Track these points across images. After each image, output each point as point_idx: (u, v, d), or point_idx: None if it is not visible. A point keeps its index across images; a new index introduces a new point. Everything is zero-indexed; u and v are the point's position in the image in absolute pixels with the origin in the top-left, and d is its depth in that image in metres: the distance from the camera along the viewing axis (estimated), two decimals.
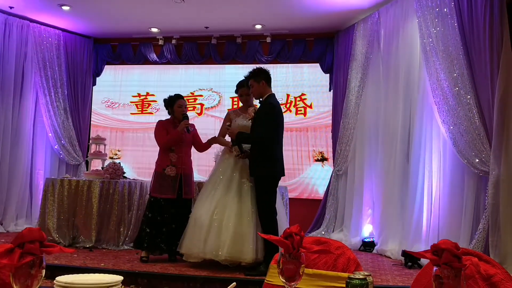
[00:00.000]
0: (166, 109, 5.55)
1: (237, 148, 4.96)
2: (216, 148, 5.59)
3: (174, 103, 5.45)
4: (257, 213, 4.88)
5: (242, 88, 5.23)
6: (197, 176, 8.11)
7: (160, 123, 5.55)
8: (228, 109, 5.66)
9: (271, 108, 4.88)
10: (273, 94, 4.99)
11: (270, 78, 4.98)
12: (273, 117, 4.85)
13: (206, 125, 8.79)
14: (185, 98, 5.68)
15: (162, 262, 5.31)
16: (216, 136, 5.44)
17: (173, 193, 5.33)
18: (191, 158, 5.58)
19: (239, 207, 4.91)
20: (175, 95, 5.58)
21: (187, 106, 5.52)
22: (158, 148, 5.56)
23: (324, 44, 8.36)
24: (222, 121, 5.52)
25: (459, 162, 5.17)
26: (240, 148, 4.95)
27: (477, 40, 4.94)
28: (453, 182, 5.32)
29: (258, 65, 5.42)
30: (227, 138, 5.29)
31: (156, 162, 5.52)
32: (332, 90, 8.29)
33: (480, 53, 4.91)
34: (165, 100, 5.58)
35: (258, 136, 4.83)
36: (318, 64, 8.45)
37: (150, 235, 5.32)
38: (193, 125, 5.62)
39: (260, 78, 4.91)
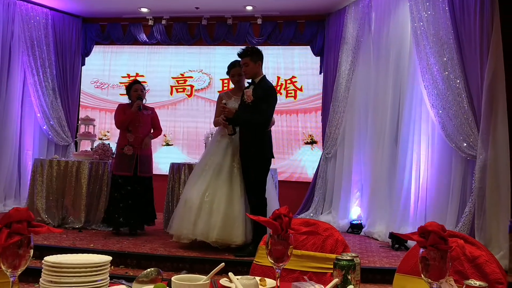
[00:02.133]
0: (127, 95, 5.98)
1: (231, 127, 4.92)
2: (206, 129, 5.55)
3: (131, 88, 5.91)
4: (246, 196, 4.92)
5: (235, 68, 5.14)
6: (188, 159, 8.12)
7: (119, 106, 6.00)
8: (218, 91, 5.60)
9: (273, 90, 4.93)
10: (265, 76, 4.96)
11: (263, 60, 4.97)
12: (275, 99, 4.89)
13: (197, 106, 8.77)
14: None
15: (151, 242, 5.34)
16: (213, 119, 5.38)
17: (129, 171, 5.75)
18: (150, 139, 5.97)
19: (229, 190, 4.93)
20: (133, 81, 6.21)
21: (143, 90, 5.99)
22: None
23: (315, 27, 8.32)
24: (216, 104, 5.45)
25: (447, 146, 5.21)
26: (233, 128, 4.93)
27: (467, 24, 4.95)
28: (441, 166, 5.37)
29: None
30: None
31: (116, 143, 5.96)
32: (322, 73, 8.28)
33: (470, 38, 4.92)
34: (126, 88, 6.11)
35: (260, 118, 4.75)
36: (309, 47, 8.41)
37: (108, 211, 5.83)
38: (152, 109, 6.11)
39: (257, 58, 4.86)
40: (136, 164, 5.77)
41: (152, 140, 6.01)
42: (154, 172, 6.10)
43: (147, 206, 5.91)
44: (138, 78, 8.87)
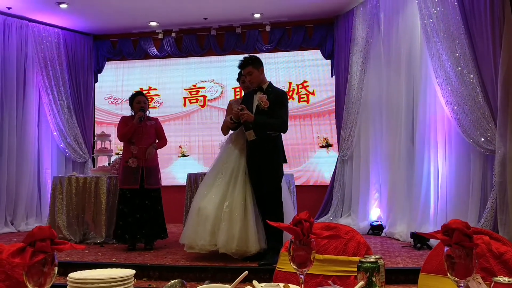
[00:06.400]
0: (130, 106, 5.86)
1: (252, 132, 4.82)
2: (221, 138, 5.53)
3: (133, 100, 5.80)
4: (257, 202, 4.87)
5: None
6: (204, 168, 8.13)
7: (122, 118, 5.90)
8: (231, 100, 5.58)
9: (285, 94, 4.98)
10: None
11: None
12: (287, 103, 4.89)
13: (210, 116, 8.80)
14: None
15: (172, 254, 5.35)
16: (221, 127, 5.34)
17: (136, 184, 5.63)
18: (156, 150, 5.85)
19: (244, 199, 4.87)
20: (135, 92, 6.05)
21: (146, 101, 5.87)
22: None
23: (324, 30, 8.32)
24: (225, 112, 5.45)
25: (464, 142, 5.15)
26: (255, 132, 4.82)
27: (478, 18, 4.90)
28: (459, 162, 5.31)
29: (257, 54, 5.36)
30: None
31: (121, 156, 5.87)
32: (334, 76, 8.26)
33: (481, 31, 4.87)
34: (129, 100, 5.95)
35: (282, 123, 4.74)
36: (319, 51, 8.41)
37: (118, 226, 5.70)
38: (155, 119, 6.00)
39: (259, 65, 4.86)
40: (142, 176, 5.66)
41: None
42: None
43: (157, 219, 5.77)
44: (151, 92, 8.99)
